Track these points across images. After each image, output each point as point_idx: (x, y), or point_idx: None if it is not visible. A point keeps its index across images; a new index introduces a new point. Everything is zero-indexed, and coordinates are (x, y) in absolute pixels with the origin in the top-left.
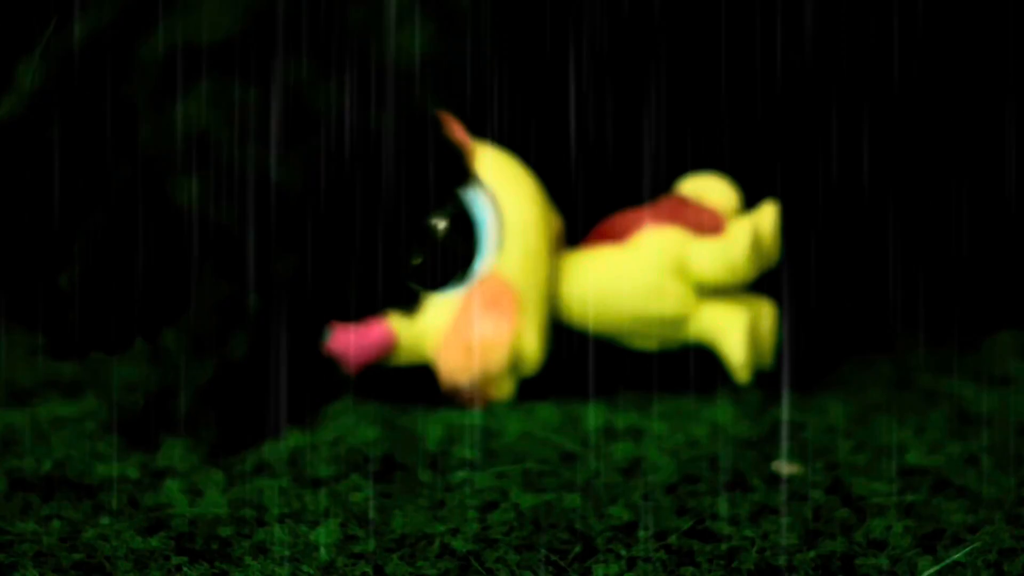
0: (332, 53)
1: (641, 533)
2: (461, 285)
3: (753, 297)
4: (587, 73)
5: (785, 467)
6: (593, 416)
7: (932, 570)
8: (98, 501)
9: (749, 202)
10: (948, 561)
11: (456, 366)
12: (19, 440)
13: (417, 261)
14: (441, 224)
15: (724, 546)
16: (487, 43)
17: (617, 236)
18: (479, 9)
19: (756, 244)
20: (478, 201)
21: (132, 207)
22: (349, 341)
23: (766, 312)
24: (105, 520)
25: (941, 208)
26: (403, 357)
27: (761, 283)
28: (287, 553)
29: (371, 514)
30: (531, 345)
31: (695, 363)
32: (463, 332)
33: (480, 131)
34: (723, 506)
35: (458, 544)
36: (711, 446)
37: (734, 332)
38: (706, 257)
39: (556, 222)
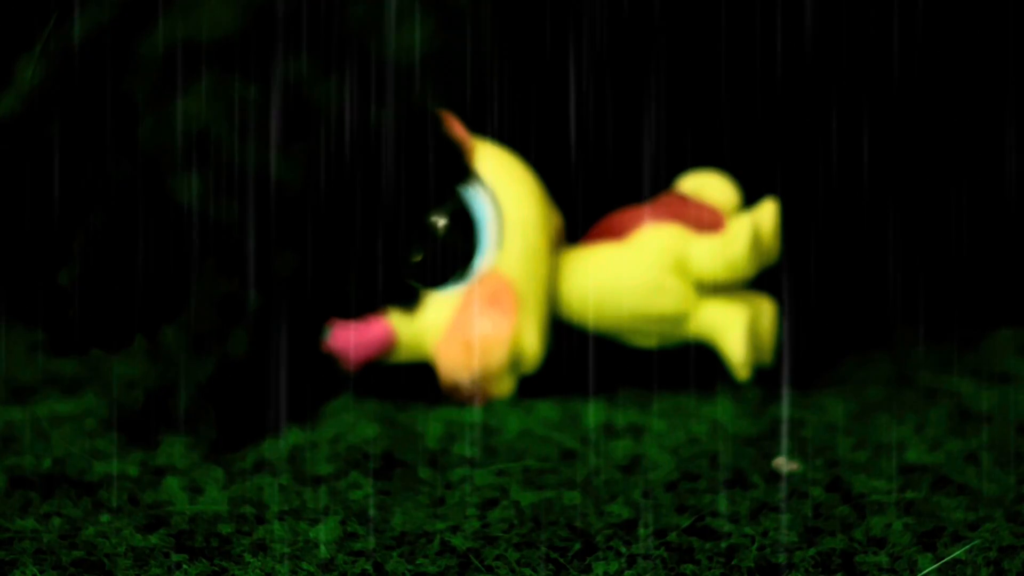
0: (332, 50)
1: (641, 530)
2: (461, 282)
3: (753, 295)
4: (587, 70)
5: (785, 464)
6: (593, 413)
7: (932, 568)
8: (98, 498)
9: (749, 199)
10: (948, 559)
11: (456, 363)
12: (19, 437)
13: (417, 258)
14: (441, 221)
15: (724, 543)
16: (487, 40)
17: (617, 233)
18: (479, 6)
19: (756, 242)
20: (478, 198)
21: (132, 204)
22: (349, 338)
23: (766, 310)
24: (105, 517)
25: (940, 206)
26: (403, 354)
27: (761, 280)
28: (287, 550)
29: (371, 511)
30: (531, 342)
31: (695, 360)
32: (463, 329)
33: (480, 128)
34: (723, 503)
35: (458, 541)
36: (711, 443)
37: (734, 330)
38: (706, 254)
39: (556, 219)
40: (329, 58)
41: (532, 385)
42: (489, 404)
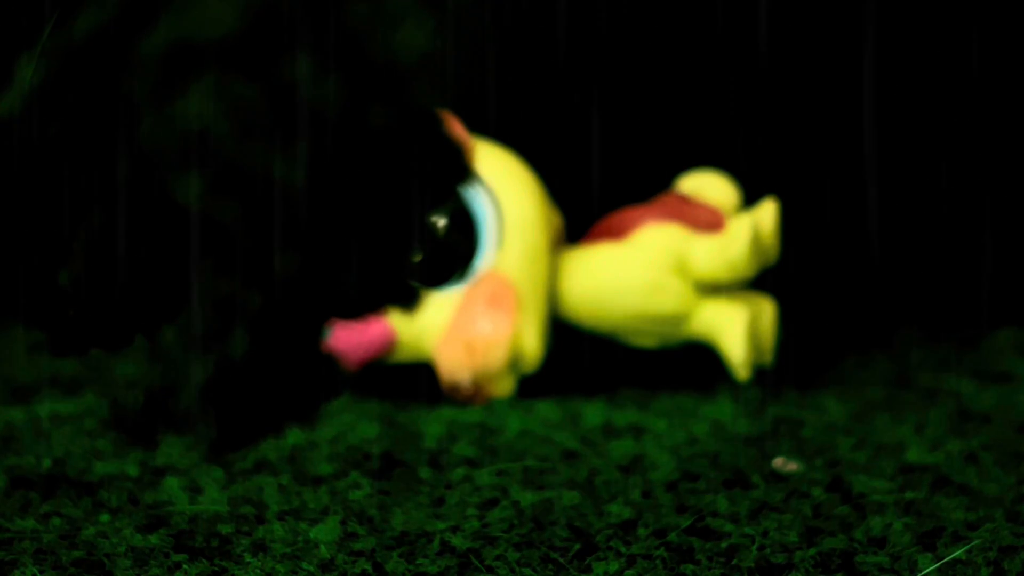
0: (333, 50)
1: (641, 531)
2: (461, 282)
3: (753, 295)
4: (587, 70)
5: (785, 464)
6: (593, 414)
7: (932, 568)
8: (98, 499)
9: (749, 199)
10: (948, 559)
11: (456, 364)
12: (19, 437)
13: (417, 259)
14: (441, 221)
15: (724, 544)
16: (487, 40)
17: (617, 233)
18: (479, 6)
19: (756, 241)
20: (478, 198)
21: (132, 204)
22: (349, 339)
23: (766, 310)
24: (105, 518)
25: (940, 206)
26: (403, 355)
27: (761, 280)
28: (287, 550)
29: (371, 511)
30: (531, 343)
31: (695, 361)
32: (463, 330)
33: (480, 128)
34: (723, 504)
35: (458, 541)
36: (711, 444)
37: (734, 330)
38: (706, 254)
39: (556, 219)
40: (330, 57)
41: (532, 385)
42: (489, 404)
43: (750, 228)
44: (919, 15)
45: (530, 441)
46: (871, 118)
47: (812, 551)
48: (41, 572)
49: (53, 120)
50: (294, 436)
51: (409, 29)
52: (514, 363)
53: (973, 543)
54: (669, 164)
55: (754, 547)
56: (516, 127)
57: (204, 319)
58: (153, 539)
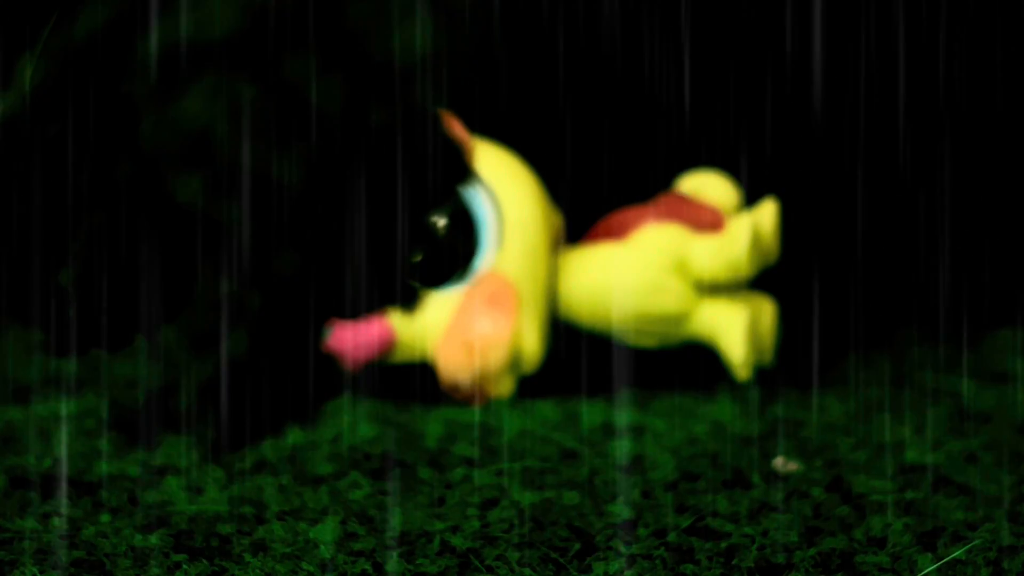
0: (333, 50)
1: (641, 531)
2: (461, 282)
3: (753, 294)
4: (587, 70)
5: (785, 464)
6: (593, 414)
7: (932, 568)
8: (98, 498)
9: (749, 199)
10: (948, 558)
11: (456, 364)
12: (19, 437)
13: (417, 258)
14: (441, 222)
15: (724, 543)
16: (487, 40)
17: (617, 233)
18: (480, 6)
19: (756, 241)
20: (478, 198)
21: (132, 204)
22: (349, 339)
23: (766, 309)
24: (105, 517)
25: (941, 206)
26: (403, 355)
27: (761, 280)
28: (287, 550)
29: (371, 511)
30: (531, 342)
31: (695, 360)
32: (463, 330)
33: (480, 128)
34: (723, 503)
35: (458, 541)
36: (711, 443)
37: (734, 329)
38: (706, 254)
39: (556, 219)
40: (329, 58)
41: (532, 385)
42: (489, 404)
43: (750, 228)
44: (919, 15)
45: (530, 441)
46: (871, 117)
47: (812, 551)
48: (41, 572)
49: (53, 120)
50: (294, 436)
51: (409, 29)
52: (514, 363)
53: (973, 543)
54: (669, 164)
55: (754, 547)
56: (516, 127)
57: (204, 319)
58: (153, 539)
